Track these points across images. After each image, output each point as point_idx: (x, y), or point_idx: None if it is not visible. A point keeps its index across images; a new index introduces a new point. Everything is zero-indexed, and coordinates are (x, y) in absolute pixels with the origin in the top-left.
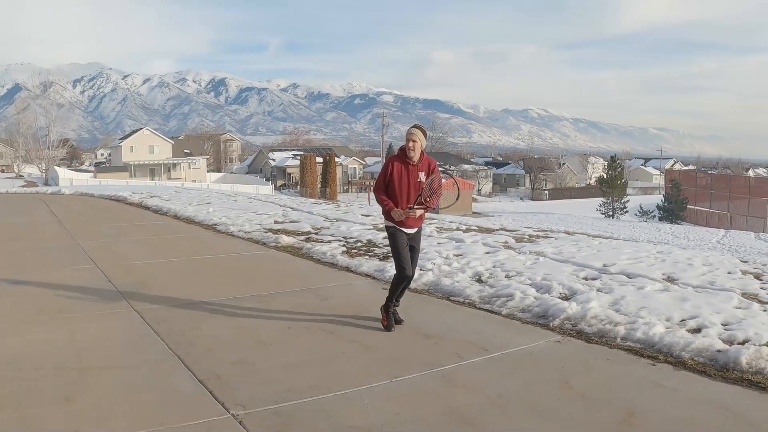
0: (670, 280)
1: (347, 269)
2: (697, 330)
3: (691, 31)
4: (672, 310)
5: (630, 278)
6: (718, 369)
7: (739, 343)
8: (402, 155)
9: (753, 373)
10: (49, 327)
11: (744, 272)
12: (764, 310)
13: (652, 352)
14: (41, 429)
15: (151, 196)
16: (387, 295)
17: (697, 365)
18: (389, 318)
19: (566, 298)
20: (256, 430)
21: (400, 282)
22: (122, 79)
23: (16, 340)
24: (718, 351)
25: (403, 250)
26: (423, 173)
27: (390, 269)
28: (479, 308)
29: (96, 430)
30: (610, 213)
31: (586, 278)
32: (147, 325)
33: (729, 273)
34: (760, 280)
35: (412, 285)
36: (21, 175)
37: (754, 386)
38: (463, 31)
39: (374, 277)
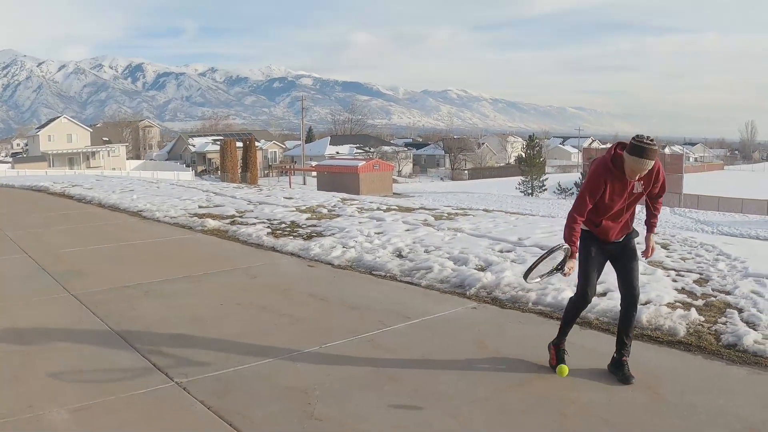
0: None
1: (273, 249)
2: (603, 294)
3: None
4: None
5: (543, 250)
6: None
7: (641, 305)
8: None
9: (652, 329)
10: None
11: None
12: (667, 276)
13: (560, 314)
14: None
15: (73, 185)
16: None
17: (602, 324)
18: (558, 356)
19: (482, 269)
20: (199, 395)
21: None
22: (37, 66)
23: None
24: None
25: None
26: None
27: (314, 247)
28: (400, 281)
29: (48, 405)
30: (530, 191)
31: (501, 251)
32: (86, 308)
33: (638, 243)
34: (667, 249)
35: (335, 262)
36: None
37: (653, 341)
38: (382, 13)
39: (299, 256)
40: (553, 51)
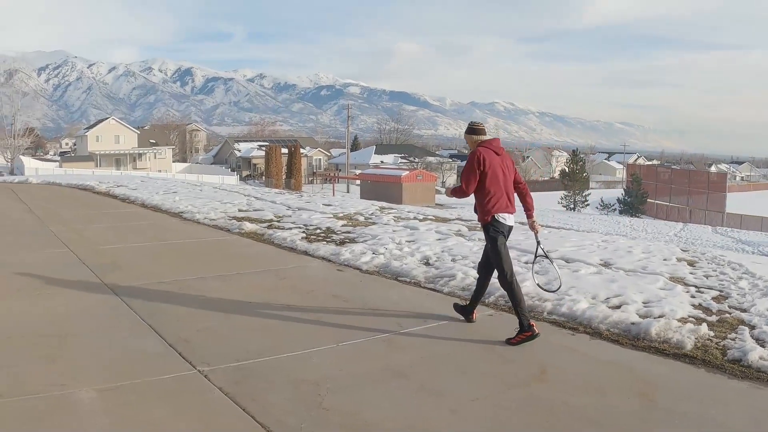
0: (606, 264)
1: (305, 253)
2: (618, 306)
3: (653, 26)
4: (599, 290)
5: (568, 262)
6: (630, 338)
7: (653, 318)
8: None
9: (660, 342)
10: (28, 302)
11: (679, 259)
12: (686, 292)
13: (573, 324)
14: (32, 383)
15: (118, 185)
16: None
17: (611, 335)
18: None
19: None
20: (219, 382)
21: None
22: (87, 67)
23: None
24: (632, 323)
25: None
26: None
27: (344, 252)
28: (423, 287)
29: (78, 384)
30: (572, 206)
31: (526, 262)
32: (120, 299)
33: (664, 260)
34: (693, 266)
35: (364, 267)
36: None
37: (659, 353)
38: (428, 23)
39: (329, 260)
40: (601, 65)
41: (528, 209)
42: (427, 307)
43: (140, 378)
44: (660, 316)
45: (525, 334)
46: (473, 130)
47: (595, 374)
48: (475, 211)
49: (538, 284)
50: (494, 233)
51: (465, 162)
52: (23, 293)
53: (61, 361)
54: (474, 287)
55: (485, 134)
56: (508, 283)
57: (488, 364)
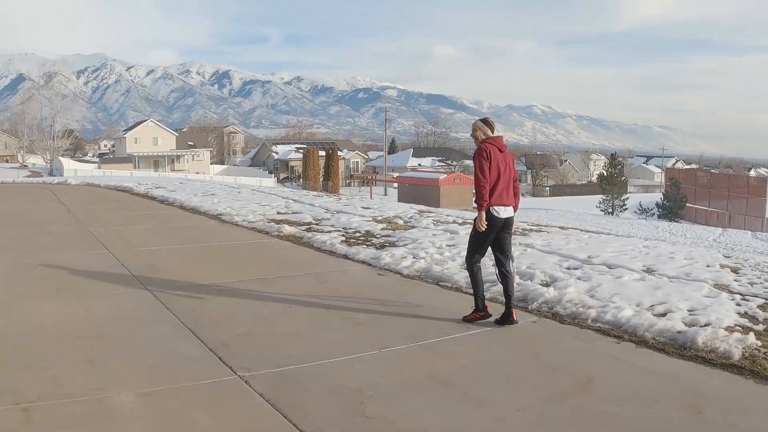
0: (649, 271)
1: (345, 257)
2: (663, 314)
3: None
4: (643, 297)
5: (610, 268)
6: (677, 347)
7: (700, 326)
8: None
9: (707, 351)
10: (68, 303)
11: (722, 266)
12: (732, 299)
13: (618, 332)
14: (71, 385)
15: (157, 187)
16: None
17: (657, 344)
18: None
19: (546, 285)
20: (259, 388)
21: None
22: (126, 70)
23: (39, 314)
24: (678, 332)
25: None
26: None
27: (385, 256)
28: (465, 292)
29: (118, 387)
30: (610, 210)
31: (568, 268)
32: (159, 302)
33: (708, 266)
34: (737, 273)
35: (405, 272)
36: (25, 165)
37: (706, 362)
38: (465, 26)
39: (370, 264)
40: (639, 67)
41: (513, 202)
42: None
43: (180, 383)
44: (706, 325)
45: (479, 313)
46: (489, 123)
47: (643, 384)
48: (475, 201)
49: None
50: (487, 218)
51: (474, 163)
52: (63, 294)
53: (101, 363)
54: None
55: (494, 131)
56: (471, 267)
57: (533, 372)
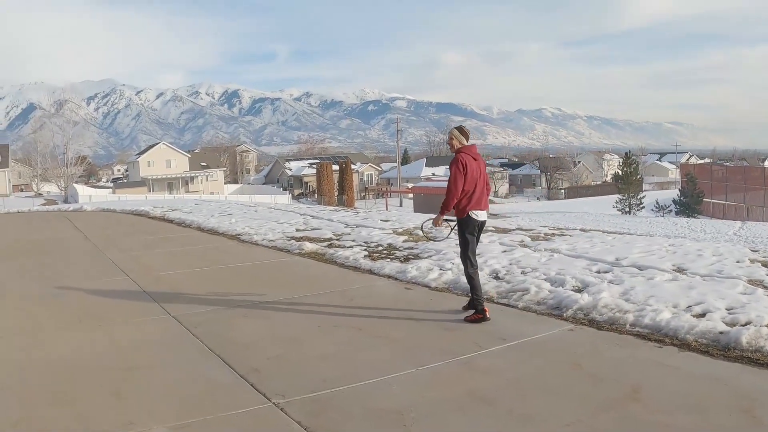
0: (679, 270)
1: (370, 272)
2: (701, 315)
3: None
4: (679, 298)
5: (640, 270)
6: (720, 349)
7: (741, 325)
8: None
9: (752, 351)
10: (90, 332)
11: (752, 261)
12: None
13: (658, 336)
14: (98, 422)
15: (173, 210)
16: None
17: (700, 346)
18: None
19: (579, 290)
20: (296, 415)
21: None
22: (135, 94)
23: (61, 344)
24: (721, 333)
25: None
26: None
27: (410, 269)
28: (497, 302)
29: (148, 422)
30: (627, 209)
31: (598, 271)
32: (184, 328)
33: (737, 262)
34: None
35: (432, 284)
36: (40, 194)
37: (753, 363)
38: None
39: (396, 278)
40: (647, 65)
41: (487, 205)
42: (503, 325)
43: (213, 413)
44: (747, 324)
45: (478, 315)
46: (464, 132)
47: (692, 390)
48: (454, 207)
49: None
50: (466, 226)
51: (450, 171)
52: (85, 324)
53: (129, 396)
54: (546, 298)
55: (468, 140)
56: (466, 272)
57: (577, 383)
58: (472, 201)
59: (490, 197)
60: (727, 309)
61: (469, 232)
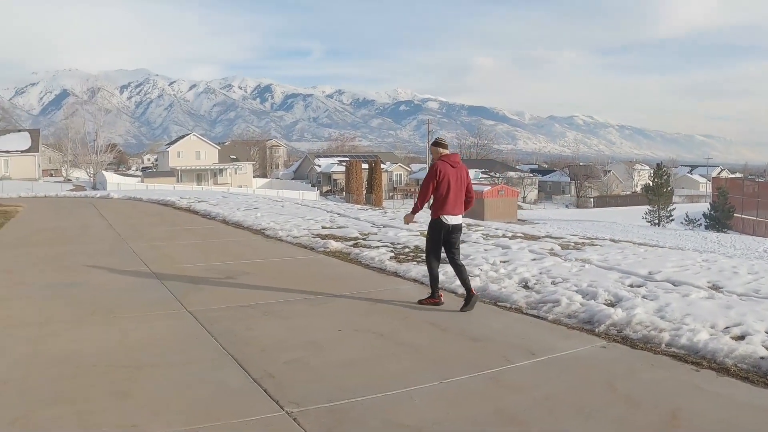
0: (715, 287)
1: (395, 274)
2: (741, 337)
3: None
4: (716, 318)
5: (675, 286)
6: (761, 375)
7: None
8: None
9: None
10: (102, 327)
11: None
12: None
13: (696, 358)
14: (99, 422)
15: (199, 201)
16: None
17: (740, 371)
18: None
19: (612, 305)
20: (310, 427)
21: None
22: (168, 85)
23: (70, 339)
24: (762, 358)
25: None
26: None
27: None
28: (526, 313)
29: (152, 425)
30: (656, 221)
31: (631, 285)
32: (200, 325)
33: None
34: None
35: (459, 291)
36: (69, 179)
37: None
38: (505, 37)
39: (422, 282)
40: (681, 75)
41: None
42: (533, 338)
43: (222, 419)
44: None
45: (433, 300)
46: (439, 143)
47: (734, 420)
48: (429, 207)
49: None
50: (436, 227)
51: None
52: (98, 317)
53: (135, 396)
54: (578, 312)
55: (448, 149)
56: (429, 263)
57: (611, 406)
58: (446, 205)
59: (518, 202)
60: (767, 332)
61: (436, 234)
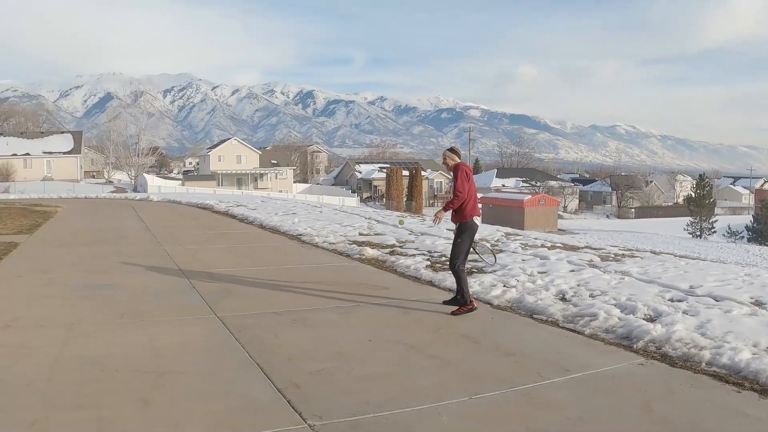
0: (758, 304)
1: (430, 283)
2: None
3: None
4: (759, 336)
5: (717, 301)
6: None
7: None
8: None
9: None
10: (130, 331)
11: None
12: None
13: (737, 378)
14: (118, 429)
15: (238, 205)
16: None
17: None
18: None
19: (651, 320)
20: None
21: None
22: (211, 90)
23: (97, 342)
24: None
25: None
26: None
27: (473, 284)
28: (562, 327)
29: None
30: (698, 233)
31: (671, 300)
32: (228, 332)
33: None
34: None
35: (495, 301)
36: (110, 181)
37: None
38: (548, 47)
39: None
40: (723, 86)
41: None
42: (568, 353)
43: (242, 431)
44: None
45: (466, 307)
46: (455, 151)
47: None
48: (453, 212)
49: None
50: (470, 230)
51: (456, 178)
52: (126, 320)
53: (157, 403)
54: (616, 326)
55: (460, 157)
56: (458, 269)
57: (648, 429)
58: (475, 207)
59: (558, 212)
60: None
61: (469, 238)
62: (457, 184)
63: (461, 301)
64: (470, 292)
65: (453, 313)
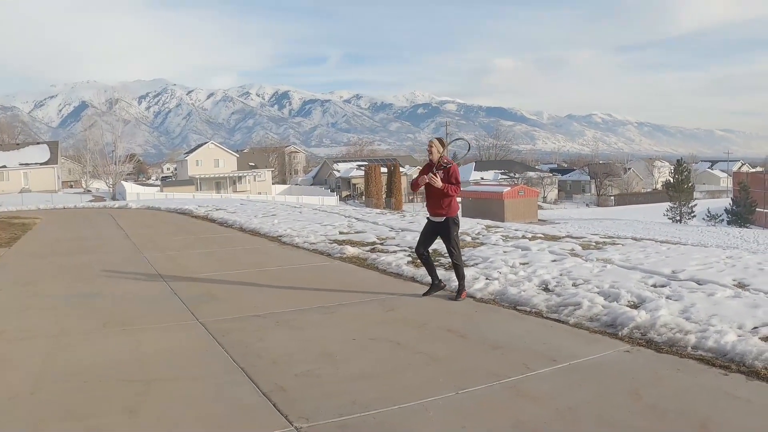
0: (741, 286)
1: (413, 279)
2: None
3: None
4: (744, 318)
5: (700, 285)
6: None
7: None
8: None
9: None
10: (113, 339)
11: None
12: None
13: (723, 361)
14: None
15: (217, 209)
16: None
17: None
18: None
19: (635, 306)
20: None
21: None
22: (186, 94)
23: (81, 351)
24: None
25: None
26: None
27: (455, 278)
28: (546, 317)
29: None
30: (678, 218)
31: (654, 285)
32: (211, 337)
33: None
34: None
35: (478, 294)
36: (89, 190)
37: None
38: (522, 38)
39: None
40: (698, 71)
41: None
42: (553, 344)
43: None
44: None
45: (464, 293)
46: (443, 142)
47: (767, 429)
48: (438, 208)
49: None
50: (457, 223)
51: (452, 172)
52: (109, 329)
53: (144, 413)
54: (600, 314)
55: (446, 149)
56: (460, 260)
57: (638, 416)
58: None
59: (538, 202)
60: None
61: (457, 231)
62: (458, 178)
63: (459, 287)
64: (464, 282)
65: (457, 299)
